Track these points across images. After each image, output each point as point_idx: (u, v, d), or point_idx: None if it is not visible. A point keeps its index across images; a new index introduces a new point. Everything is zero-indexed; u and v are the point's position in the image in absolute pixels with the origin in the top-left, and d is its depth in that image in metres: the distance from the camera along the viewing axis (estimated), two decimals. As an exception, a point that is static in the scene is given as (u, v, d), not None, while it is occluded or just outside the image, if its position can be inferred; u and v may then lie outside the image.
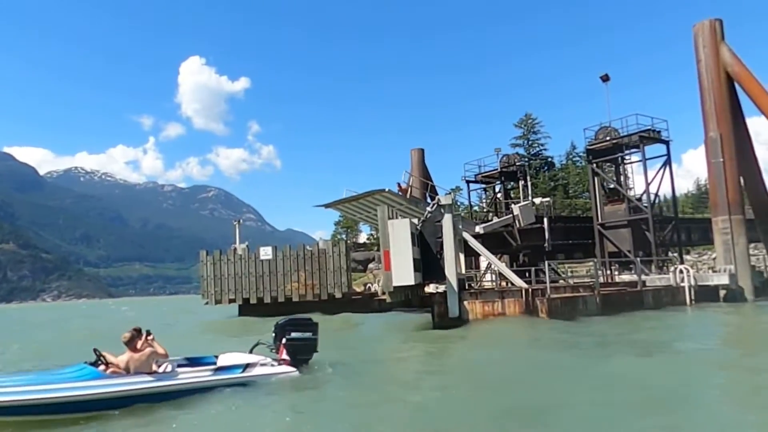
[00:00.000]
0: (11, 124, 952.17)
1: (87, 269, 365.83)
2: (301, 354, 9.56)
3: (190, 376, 8.24)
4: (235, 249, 31.20)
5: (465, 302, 18.28)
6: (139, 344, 8.10)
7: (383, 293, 21.98)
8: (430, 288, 22.47)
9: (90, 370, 7.64)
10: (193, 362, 8.82)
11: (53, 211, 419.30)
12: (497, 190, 37.82)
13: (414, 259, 17.82)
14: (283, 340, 9.51)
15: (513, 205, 29.42)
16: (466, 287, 20.57)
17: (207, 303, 30.22)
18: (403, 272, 17.44)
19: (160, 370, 8.19)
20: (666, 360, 10.84)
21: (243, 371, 8.67)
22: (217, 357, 9.00)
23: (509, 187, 37.57)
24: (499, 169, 35.32)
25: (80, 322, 34.44)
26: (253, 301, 29.18)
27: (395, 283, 17.64)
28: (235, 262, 29.75)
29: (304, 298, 28.51)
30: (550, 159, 76.66)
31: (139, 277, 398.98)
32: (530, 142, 76.10)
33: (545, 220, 29.15)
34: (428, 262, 19.06)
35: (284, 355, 9.40)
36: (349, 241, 64.56)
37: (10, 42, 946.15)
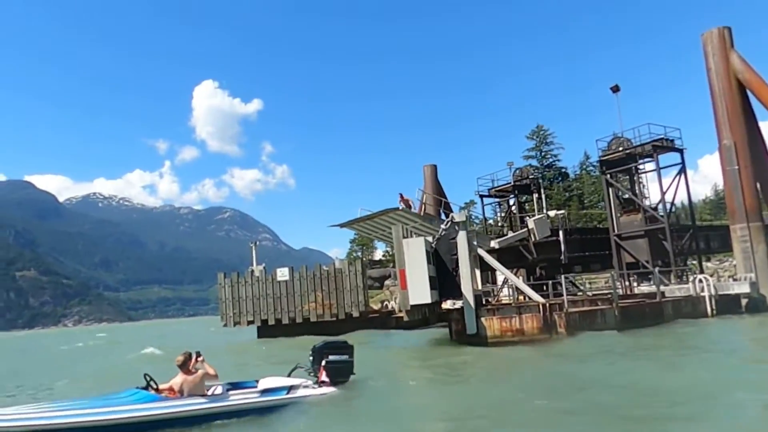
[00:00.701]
0: (30, 153, 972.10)
1: (107, 293, 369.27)
2: (339, 376, 9.95)
3: (239, 398, 8.62)
4: (252, 271, 31.52)
5: (482, 319, 18.25)
6: (190, 366, 8.46)
7: (401, 311, 22.05)
8: (448, 305, 22.47)
9: (146, 393, 7.99)
10: (235, 387, 9.10)
11: (72, 237, 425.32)
12: (511, 203, 37.80)
13: (430, 277, 17.92)
14: (323, 363, 9.87)
15: (527, 219, 29.38)
16: (483, 303, 20.56)
17: (225, 325, 30.50)
18: (420, 290, 17.54)
19: (209, 392, 8.54)
20: (702, 379, 10.32)
21: (287, 393, 9.04)
22: (257, 381, 9.28)
23: (523, 200, 37.54)
24: (512, 183, 35.36)
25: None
26: (271, 322, 29.39)
27: (412, 302, 17.74)
28: (252, 284, 30.05)
29: (322, 318, 28.67)
30: (563, 170, 76.47)
31: (158, 299, 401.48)
32: (543, 154, 76.04)
33: (560, 232, 29.04)
34: (444, 280, 19.12)
35: (324, 377, 9.77)
36: (364, 259, 64.66)
37: (30, 78, 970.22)
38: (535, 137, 75.88)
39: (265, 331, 29.36)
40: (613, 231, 30.09)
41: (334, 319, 28.45)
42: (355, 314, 28.69)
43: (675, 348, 15.13)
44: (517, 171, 35.90)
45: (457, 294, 19.15)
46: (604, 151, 30.76)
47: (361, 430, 7.92)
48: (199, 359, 8.65)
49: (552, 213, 29.43)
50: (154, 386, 8.19)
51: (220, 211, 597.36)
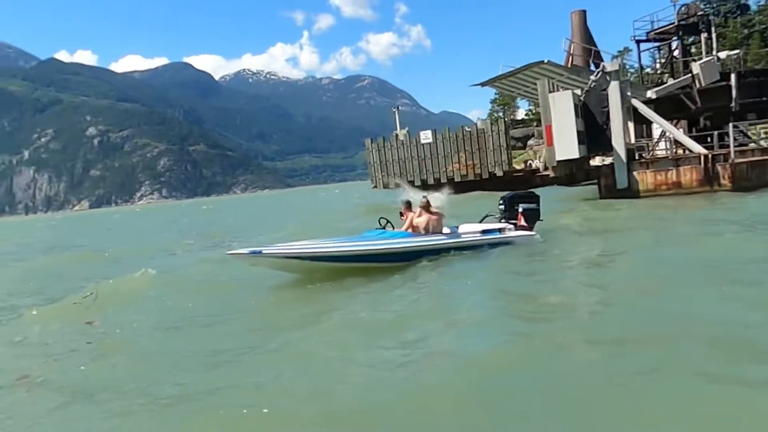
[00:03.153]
0: (185, 35, 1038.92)
1: (265, 163, 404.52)
2: (532, 221, 10.99)
3: (468, 236, 9.93)
4: (396, 135, 32.59)
5: (634, 173, 17.65)
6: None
7: (546, 169, 21.91)
8: (596, 161, 21.81)
9: (400, 232, 9.45)
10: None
11: (230, 112, 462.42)
12: (674, 47, 33.64)
13: (578, 132, 17.43)
14: (520, 209, 10.89)
15: (692, 64, 26.29)
16: (636, 158, 19.64)
17: (375, 187, 32.49)
18: (567, 146, 17.26)
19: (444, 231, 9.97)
20: None
21: (500, 233, 10.27)
22: (457, 227, 10.42)
23: (689, 41, 33.17)
24: (676, 23, 31.15)
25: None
26: (417, 183, 30.66)
27: (558, 158, 17.58)
28: (397, 147, 31.25)
29: (466, 178, 29.34)
30: (744, 1, 65.09)
31: (310, 168, 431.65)
32: (718, -16, 64.87)
33: (732, 76, 25.74)
34: (593, 134, 18.47)
35: (523, 222, 10.82)
36: (507, 119, 63.00)
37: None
38: (708, -36, 64.47)
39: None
40: (802, 70, 25.93)
41: (478, 178, 29.00)
42: (499, 173, 28.92)
43: None
44: (683, 8, 31.35)
45: (608, 148, 18.52)
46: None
47: (567, 259, 9.28)
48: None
49: (723, 54, 26.00)
50: (391, 228, 9.66)
51: (359, 79, 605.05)
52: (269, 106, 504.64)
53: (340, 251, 8.61)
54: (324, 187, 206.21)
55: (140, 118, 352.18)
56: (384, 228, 9.63)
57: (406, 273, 8.43)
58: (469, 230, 10.14)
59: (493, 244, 9.91)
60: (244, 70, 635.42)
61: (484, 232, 10.08)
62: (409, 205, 9.95)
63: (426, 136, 30.56)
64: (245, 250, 8.28)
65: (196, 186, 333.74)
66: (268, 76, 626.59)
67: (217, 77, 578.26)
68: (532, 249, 9.89)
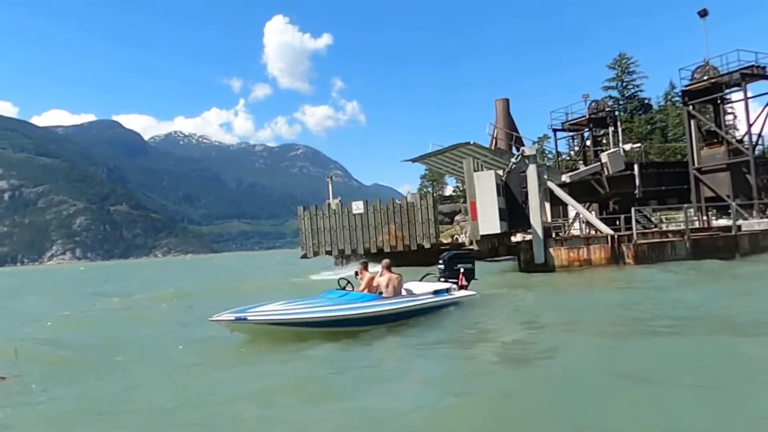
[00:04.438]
0: (116, 94, 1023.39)
1: (191, 227, 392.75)
2: (468, 280, 11.54)
3: (423, 297, 10.08)
4: (329, 204, 33.17)
5: (550, 249, 18.91)
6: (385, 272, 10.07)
7: (471, 243, 22.97)
8: (517, 237, 23.21)
9: (367, 294, 9.38)
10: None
11: (158, 173, 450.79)
12: (585, 137, 37.05)
13: (500, 209, 18.62)
14: (461, 269, 11.39)
15: (601, 153, 29.01)
16: (553, 236, 21.10)
17: (305, 255, 32.53)
18: (490, 221, 18.34)
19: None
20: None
21: (448, 294, 10.61)
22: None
23: (600, 133, 36.66)
24: (587, 116, 34.53)
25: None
26: (347, 252, 31.13)
27: (482, 232, 18.59)
28: (329, 216, 31.75)
29: (395, 249, 30.04)
30: (646, 101, 72.52)
31: (237, 233, 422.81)
32: (625, 84, 72.06)
33: (636, 166, 28.56)
34: (514, 212, 19.76)
35: (463, 282, 11.31)
36: (435, 194, 65.34)
37: (113, 22, 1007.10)
38: (616, 66, 71.88)
39: (342, 261, 31.20)
40: (693, 164, 29.16)
41: (407, 250, 29.77)
42: (427, 246, 29.84)
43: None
44: (593, 104, 34.94)
45: (527, 226, 19.80)
46: (688, 80, 29.40)
47: (511, 315, 10.27)
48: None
49: (627, 146, 28.90)
50: (351, 289, 9.73)
51: (293, 148, 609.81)
52: (199, 169, 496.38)
53: (331, 316, 8.36)
54: (254, 253, 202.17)
55: (59, 174, 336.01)
56: (344, 289, 9.65)
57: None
58: (422, 290, 10.36)
59: (446, 305, 10.24)
60: (175, 131, 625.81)
61: (436, 292, 10.37)
62: (365, 265, 10.14)
63: (357, 207, 31.32)
64: (230, 316, 7.85)
65: (113, 247, 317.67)
66: (200, 139, 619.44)
67: (146, 137, 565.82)
68: (477, 309, 10.44)
